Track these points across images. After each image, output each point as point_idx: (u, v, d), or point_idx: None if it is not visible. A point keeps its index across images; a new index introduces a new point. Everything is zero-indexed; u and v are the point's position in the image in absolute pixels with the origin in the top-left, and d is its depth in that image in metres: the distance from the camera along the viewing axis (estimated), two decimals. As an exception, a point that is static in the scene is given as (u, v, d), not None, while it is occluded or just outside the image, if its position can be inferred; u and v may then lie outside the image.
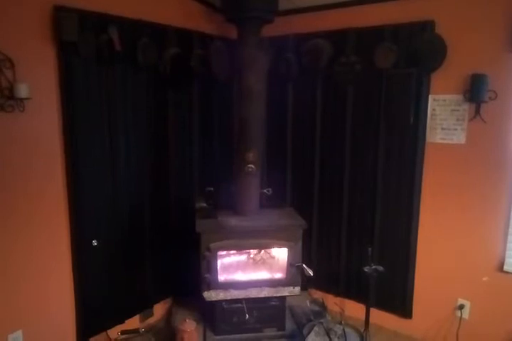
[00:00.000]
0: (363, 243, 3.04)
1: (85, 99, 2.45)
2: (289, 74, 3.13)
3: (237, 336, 2.83)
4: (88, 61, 2.41)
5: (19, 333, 2.37)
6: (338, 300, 3.26)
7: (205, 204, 2.87)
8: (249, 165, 2.80)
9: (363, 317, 2.82)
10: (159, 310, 3.24)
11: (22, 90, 2.12)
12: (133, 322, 2.95)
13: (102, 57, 2.44)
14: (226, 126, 3.30)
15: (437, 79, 2.67)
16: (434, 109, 2.72)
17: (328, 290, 3.34)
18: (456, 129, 2.66)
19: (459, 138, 2.65)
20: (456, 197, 2.71)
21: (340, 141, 3.09)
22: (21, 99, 2.16)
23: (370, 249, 2.69)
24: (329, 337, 2.50)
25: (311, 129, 3.21)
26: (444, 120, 2.70)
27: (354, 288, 3.16)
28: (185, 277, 3.17)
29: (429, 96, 2.72)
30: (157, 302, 3.18)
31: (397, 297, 3.00)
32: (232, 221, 2.83)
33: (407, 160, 2.81)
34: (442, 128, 2.71)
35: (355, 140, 3.04)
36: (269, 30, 2.92)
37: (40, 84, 2.27)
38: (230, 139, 3.25)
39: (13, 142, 2.21)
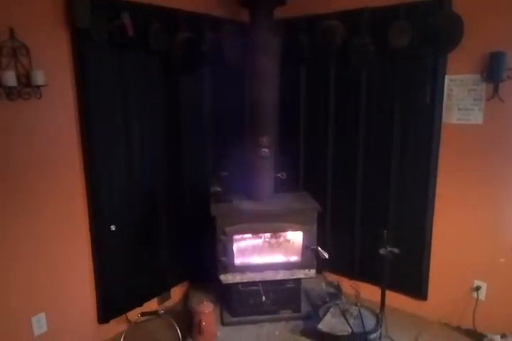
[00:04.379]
0: (377, 225, 3.02)
1: (99, 85, 2.46)
2: (301, 57, 3.10)
3: (254, 317, 2.88)
4: (101, 47, 2.41)
5: (42, 315, 2.44)
6: (352, 282, 3.29)
7: (219, 189, 2.88)
8: (264, 149, 2.81)
9: (377, 299, 2.83)
10: (176, 293, 3.30)
11: (38, 77, 2.13)
12: (151, 305, 3.01)
13: (114, 42, 2.45)
14: (239, 109, 3.29)
15: (454, 58, 2.62)
16: (450, 89, 2.68)
17: (342, 273, 3.37)
18: (473, 109, 2.62)
19: (476, 118, 2.61)
20: (473, 178, 2.69)
21: (354, 123, 3.06)
22: (38, 87, 2.18)
23: (385, 231, 2.68)
24: (345, 318, 2.53)
25: (325, 111, 3.19)
26: (461, 100, 2.65)
27: (369, 271, 3.16)
28: (201, 261, 3.22)
29: (446, 76, 2.67)
30: (174, 285, 3.24)
31: (412, 279, 3.00)
32: (247, 205, 2.85)
33: (423, 142, 2.78)
34: (459, 109, 2.67)
35: (369, 121, 3.02)
36: (281, 12, 2.89)
37: (55, 70, 2.29)
38: (243, 123, 3.24)
39: (31, 129, 2.25)
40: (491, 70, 2.47)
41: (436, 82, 2.68)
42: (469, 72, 2.59)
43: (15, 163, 2.20)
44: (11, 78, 2.04)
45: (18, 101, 2.14)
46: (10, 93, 2.10)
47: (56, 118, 2.35)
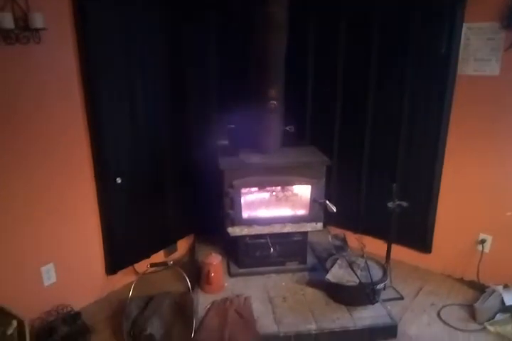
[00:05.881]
0: (384, 179, 3.01)
1: (100, 28, 2.32)
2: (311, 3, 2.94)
3: (260, 269, 2.91)
4: (101, -12, 2.27)
5: (51, 266, 2.46)
6: (358, 236, 3.31)
7: (226, 142, 2.82)
8: (272, 102, 2.71)
9: (382, 252, 2.86)
10: (183, 245, 3.33)
11: (37, 20, 2.01)
12: (158, 258, 3.04)
13: (115, -16, 2.30)
14: (246, 59, 3.16)
15: (473, 4, 2.48)
16: (467, 39, 2.57)
17: (347, 227, 3.39)
18: (490, 60, 2.52)
19: (493, 69, 2.52)
20: (485, 131, 2.64)
21: (364, 73, 2.95)
22: (36, 30, 2.06)
23: (394, 184, 2.66)
24: (352, 269, 2.56)
25: (333, 61, 3.06)
26: (478, 50, 2.55)
27: (374, 225, 3.18)
28: (207, 215, 3.22)
29: (464, 24, 2.54)
30: (180, 238, 3.27)
31: (417, 232, 3.02)
32: (255, 158, 2.79)
33: (437, 93, 2.69)
34: (475, 59, 2.57)
35: (380, 72, 2.91)
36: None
37: (54, 14, 2.16)
38: (250, 74, 3.11)
39: (30, 75, 2.15)
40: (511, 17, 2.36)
41: (453, 30, 2.55)
42: (488, 20, 2.47)
43: (14, 111, 2.11)
44: (7, 20, 1.92)
45: (16, 45, 2.03)
46: (7, 36, 1.99)
47: (56, 64, 2.24)
